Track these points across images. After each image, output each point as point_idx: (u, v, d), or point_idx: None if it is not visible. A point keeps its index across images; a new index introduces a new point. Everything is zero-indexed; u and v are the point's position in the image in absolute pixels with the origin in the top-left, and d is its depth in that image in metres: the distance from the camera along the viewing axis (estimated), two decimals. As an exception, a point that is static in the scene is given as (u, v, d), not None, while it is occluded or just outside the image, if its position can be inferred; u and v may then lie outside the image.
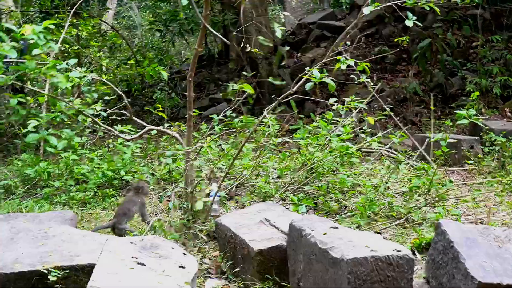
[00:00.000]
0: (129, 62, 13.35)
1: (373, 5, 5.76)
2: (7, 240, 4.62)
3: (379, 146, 7.42)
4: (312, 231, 4.55)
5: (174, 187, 6.80)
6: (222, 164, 7.21)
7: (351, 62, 5.84)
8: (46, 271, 4.20)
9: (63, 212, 5.57)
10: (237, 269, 5.15)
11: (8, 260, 4.26)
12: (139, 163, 8.04)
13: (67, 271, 4.24)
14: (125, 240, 4.38)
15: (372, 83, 10.72)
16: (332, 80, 5.66)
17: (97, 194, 7.46)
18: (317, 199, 6.67)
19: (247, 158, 7.63)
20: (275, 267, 4.86)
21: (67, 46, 9.53)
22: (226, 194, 7.26)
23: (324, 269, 4.20)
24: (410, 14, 5.83)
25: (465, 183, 7.27)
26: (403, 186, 6.56)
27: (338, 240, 4.34)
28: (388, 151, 7.92)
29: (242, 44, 6.32)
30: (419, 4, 5.71)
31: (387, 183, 6.60)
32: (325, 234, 4.46)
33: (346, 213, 6.24)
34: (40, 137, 5.42)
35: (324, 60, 6.03)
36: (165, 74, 6.73)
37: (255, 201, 6.65)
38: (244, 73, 6.88)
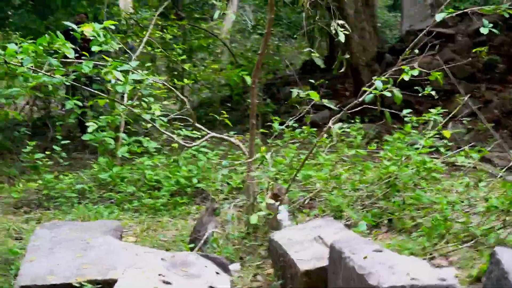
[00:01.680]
0: (227, 66, 13.63)
1: (446, 11, 5.60)
2: (46, 250, 4.67)
3: (468, 161, 7.17)
4: (353, 254, 4.44)
5: (234, 199, 6.88)
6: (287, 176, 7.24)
7: (415, 72, 5.66)
8: (78, 285, 4.20)
9: (109, 222, 5.62)
10: (285, 289, 5.15)
11: (43, 271, 4.42)
12: (216, 170, 8.21)
13: (100, 285, 4.24)
14: (156, 255, 4.49)
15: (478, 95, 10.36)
16: (398, 91, 5.55)
17: (169, 201, 7.71)
18: (392, 215, 6.55)
19: (326, 169, 7.61)
20: (324, 289, 4.81)
21: (149, 48, 9.87)
22: (301, 206, 7.30)
23: (364, 298, 4.13)
24: (486, 22, 5.59)
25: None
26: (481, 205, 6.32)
27: (378, 266, 4.22)
28: (480, 166, 7.65)
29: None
30: (498, 11, 5.50)
31: (462, 201, 6.36)
32: (365, 258, 4.35)
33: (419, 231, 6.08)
34: (96, 139, 5.64)
35: (394, 68, 5.90)
36: (248, 79, 6.80)
37: (318, 215, 6.62)
38: None
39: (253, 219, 5.62)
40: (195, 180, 7.78)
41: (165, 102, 6.33)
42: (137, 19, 10.76)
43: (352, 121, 9.15)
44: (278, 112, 12.62)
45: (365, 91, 5.66)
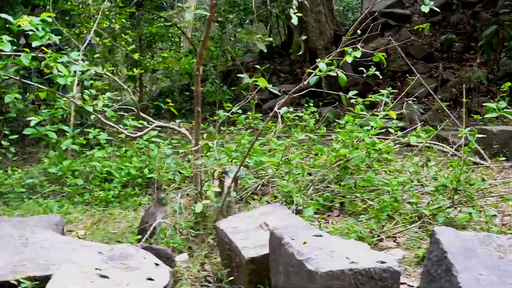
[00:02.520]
0: (179, 55, 13.57)
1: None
2: None
3: (420, 141, 7.23)
4: (292, 239, 4.46)
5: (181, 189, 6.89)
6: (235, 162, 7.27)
7: (358, 53, 5.68)
8: (16, 282, 4.14)
9: (50, 216, 5.57)
10: (231, 278, 5.16)
11: None
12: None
13: (38, 282, 4.18)
14: (94, 249, 4.47)
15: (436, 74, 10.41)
16: (342, 73, 5.57)
17: (121, 193, 7.69)
18: (343, 199, 6.63)
19: (279, 154, 7.63)
20: (269, 277, 4.71)
21: (97, 39, 9.78)
22: (253, 192, 7.34)
23: (302, 283, 4.14)
24: (426, 1, 5.64)
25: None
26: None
27: (317, 251, 4.25)
28: (435, 145, 7.73)
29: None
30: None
31: (413, 181, 6.44)
32: (305, 243, 4.39)
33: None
34: (39, 133, 5.59)
35: (338, 50, 5.93)
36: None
37: (270, 201, 6.66)
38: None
39: (198, 207, 5.63)
40: (146, 171, 7.76)
41: (108, 94, 6.24)
42: (85, 10, 10.63)
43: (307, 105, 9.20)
44: (236, 99, 12.63)
45: (310, 74, 5.68)
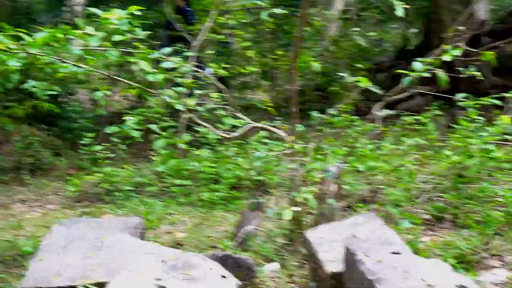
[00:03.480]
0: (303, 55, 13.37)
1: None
2: (59, 249, 4.69)
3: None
4: (366, 256, 4.27)
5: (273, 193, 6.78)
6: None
7: (457, 51, 5.33)
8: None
9: (128, 219, 5.61)
10: (317, 292, 5.01)
11: (50, 272, 4.42)
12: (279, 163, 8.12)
13: None
14: (156, 257, 4.48)
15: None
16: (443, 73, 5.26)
17: (228, 195, 7.72)
18: (454, 209, 6.28)
19: (393, 160, 7.39)
20: (351, 293, 4.63)
21: (211, 35, 9.80)
22: (363, 199, 7.13)
23: (372, 305, 3.95)
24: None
25: None
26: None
27: (391, 270, 4.02)
28: None
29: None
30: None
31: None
32: (379, 261, 4.19)
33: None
34: (123, 132, 5.67)
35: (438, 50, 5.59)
36: (317, 66, 6.67)
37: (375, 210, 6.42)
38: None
39: (287, 214, 5.51)
40: (253, 172, 7.74)
41: (199, 92, 6.25)
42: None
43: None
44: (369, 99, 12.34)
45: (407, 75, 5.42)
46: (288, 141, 6.03)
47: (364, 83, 5.72)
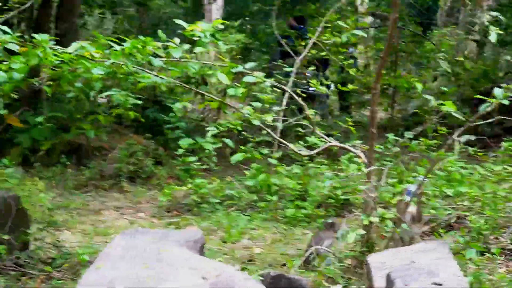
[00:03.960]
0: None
1: None
2: (116, 259, 4.75)
3: None
4: (406, 285, 4.22)
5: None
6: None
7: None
8: None
9: (192, 232, 5.67)
10: (369, 319, 4.96)
11: (101, 281, 4.68)
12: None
13: None
14: (198, 272, 4.55)
15: None
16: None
17: (313, 213, 7.72)
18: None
19: (488, 185, 7.21)
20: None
21: (313, 52, 9.78)
22: (449, 225, 6.97)
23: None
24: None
25: None
26: None
27: (427, 302, 3.97)
28: None
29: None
30: None
31: None
32: (416, 292, 4.11)
33: None
34: (197, 145, 5.83)
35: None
36: (419, 87, 6.59)
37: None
38: None
39: (350, 237, 5.49)
40: (339, 192, 7.73)
41: (277, 108, 6.31)
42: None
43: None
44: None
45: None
46: (362, 162, 6.00)
47: (449, 106, 5.60)
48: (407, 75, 12.45)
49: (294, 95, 6.48)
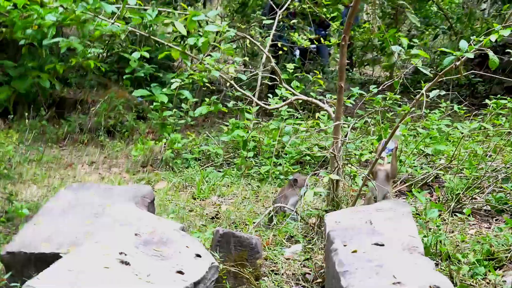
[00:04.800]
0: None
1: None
2: (58, 213, 4.67)
3: None
4: (344, 246, 3.98)
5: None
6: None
7: (506, 32, 4.78)
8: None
9: (139, 187, 5.48)
10: (319, 280, 4.74)
11: (40, 236, 4.27)
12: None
13: None
14: (132, 229, 4.33)
15: None
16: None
17: (288, 171, 7.46)
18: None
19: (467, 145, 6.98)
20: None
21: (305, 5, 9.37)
22: (427, 184, 6.76)
23: (340, 299, 3.66)
24: None
25: None
26: None
27: (363, 264, 3.70)
28: None
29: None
30: None
31: None
32: (354, 252, 3.89)
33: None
34: (152, 97, 5.50)
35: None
36: (405, 42, 6.29)
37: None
38: None
39: (308, 195, 5.26)
40: (316, 149, 7.47)
41: (238, 59, 6.02)
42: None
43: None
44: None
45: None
46: (332, 117, 5.75)
47: (422, 55, 5.32)
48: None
49: (259, 45, 6.18)
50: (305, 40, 7.84)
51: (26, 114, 9.15)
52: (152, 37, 5.94)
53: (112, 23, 5.59)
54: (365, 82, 13.87)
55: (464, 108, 8.00)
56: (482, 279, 4.57)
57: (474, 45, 4.82)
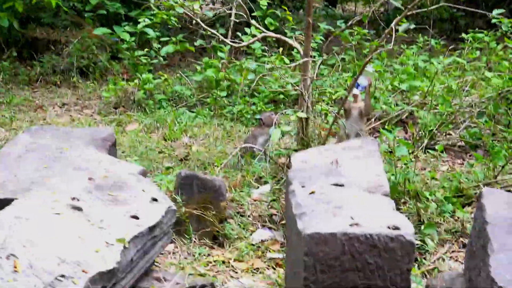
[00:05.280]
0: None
1: None
2: (14, 159, 4.50)
3: None
4: (302, 187, 3.85)
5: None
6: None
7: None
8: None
9: (99, 130, 5.35)
10: (284, 222, 4.67)
11: None
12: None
13: None
14: (86, 173, 4.19)
15: None
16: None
17: (261, 110, 7.31)
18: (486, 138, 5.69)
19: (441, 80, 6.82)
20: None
21: None
22: (401, 121, 6.63)
23: (297, 242, 3.55)
24: None
25: None
26: None
27: (320, 205, 3.56)
28: None
29: None
30: None
31: None
32: (312, 193, 3.75)
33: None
34: (116, 35, 5.31)
35: None
36: None
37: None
38: None
39: (275, 135, 5.10)
40: (289, 87, 7.29)
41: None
42: None
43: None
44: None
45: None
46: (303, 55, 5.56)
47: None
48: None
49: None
50: None
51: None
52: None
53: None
54: (347, 19, 13.58)
55: (442, 42, 7.79)
56: (450, 217, 4.46)
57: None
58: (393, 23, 5.01)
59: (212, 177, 4.75)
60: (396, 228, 3.29)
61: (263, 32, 5.79)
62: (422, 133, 5.91)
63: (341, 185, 3.77)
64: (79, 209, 3.69)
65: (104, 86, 8.65)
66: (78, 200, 3.79)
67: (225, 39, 5.74)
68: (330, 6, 14.06)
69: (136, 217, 3.74)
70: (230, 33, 8.19)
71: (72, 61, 9.04)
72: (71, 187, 3.94)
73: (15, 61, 9.22)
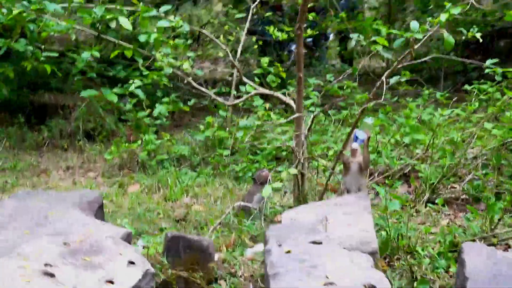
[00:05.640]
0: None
1: None
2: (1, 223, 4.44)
3: None
4: (279, 246, 3.71)
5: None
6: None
7: (457, 10, 4.50)
8: None
9: (87, 192, 5.27)
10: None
11: None
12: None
13: None
14: (60, 238, 4.11)
15: None
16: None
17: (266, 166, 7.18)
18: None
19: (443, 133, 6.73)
20: None
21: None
22: (405, 174, 6.49)
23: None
24: None
25: None
26: None
27: (295, 264, 3.43)
28: None
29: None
30: None
31: None
32: (288, 252, 3.61)
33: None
34: (96, 96, 5.28)
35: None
36: (383, 31, 5.99)
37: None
38: None
39: (266, 192, 4.98)
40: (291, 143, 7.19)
41: (191, 54, 5.73)
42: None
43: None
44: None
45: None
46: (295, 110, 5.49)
47: (381, 43, 5.05)
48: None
49: (218, 42, 5.91)
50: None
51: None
52: (102, 35, 5.68)
53: (58, 23, 5.36)
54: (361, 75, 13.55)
55: (447, 95, 7.71)
56: (444, 272, 4.28)
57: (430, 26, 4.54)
58: (384, 75, 4.93)
59: (200, 237, 4.64)
60: (373, 287, 3.15)
61: (256, 89, 5.73)
62: (423, 187, 5.74)
63: (319, 243, 3.62)
64: (51, 275, 3.59)
65: (110, 148, 8.60)
66: (51, 266, 3.70)
67: (216, 97, 5.68)
68: (345, 63, 14.05)
69: (111, 282, 3.65)
70: (233, 90, 8.15)
71: (79, 124, 9.02)
72: (46, 253, 3.86)
73: (23, 127, 9.23)
